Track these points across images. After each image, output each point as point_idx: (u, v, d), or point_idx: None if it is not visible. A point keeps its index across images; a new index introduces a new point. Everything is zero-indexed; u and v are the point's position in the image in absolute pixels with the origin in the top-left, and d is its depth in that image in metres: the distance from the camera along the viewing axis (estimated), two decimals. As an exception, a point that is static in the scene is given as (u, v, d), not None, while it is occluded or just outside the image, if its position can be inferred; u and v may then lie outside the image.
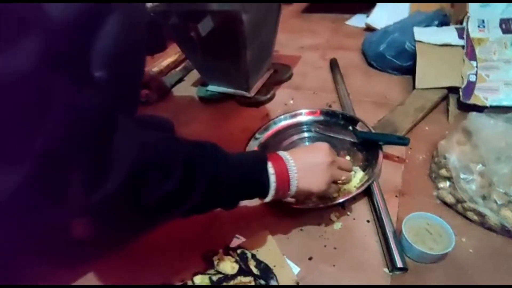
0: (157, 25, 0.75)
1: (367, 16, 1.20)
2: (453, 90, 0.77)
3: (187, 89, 0.96)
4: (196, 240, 0.53)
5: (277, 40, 0.90)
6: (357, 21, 1.26)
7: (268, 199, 0.43)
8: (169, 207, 0.35)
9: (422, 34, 0.86)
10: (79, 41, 0.34)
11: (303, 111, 0.70)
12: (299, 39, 1.18)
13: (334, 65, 0.96)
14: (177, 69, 1.03)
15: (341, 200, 0.53)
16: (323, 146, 0.46)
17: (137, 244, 0.53)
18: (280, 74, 0.95)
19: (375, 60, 0.93)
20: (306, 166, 0.43)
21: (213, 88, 0.89)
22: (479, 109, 0.70)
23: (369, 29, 1.16)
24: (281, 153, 0.44)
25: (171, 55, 1.07)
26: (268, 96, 0.85)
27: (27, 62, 0.22)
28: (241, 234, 0.53)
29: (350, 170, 0.52)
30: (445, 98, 0.78)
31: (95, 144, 0.27)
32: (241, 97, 0.86)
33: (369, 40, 0.98)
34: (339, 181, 0.49)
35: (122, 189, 0.28)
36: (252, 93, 0.85)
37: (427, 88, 0.79)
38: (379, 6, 1.19)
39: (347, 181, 0.51)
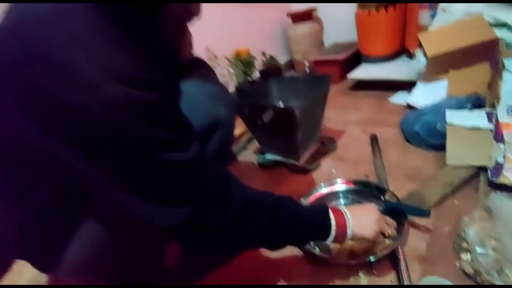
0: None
1: (409, 94, 1.36)
2: (485, 168, 0.86)
3: (249, 156, 1.22)
4: (249, 276, 0.71)
5: (325, 115, 1.11)
6: (399, 98, 1.42)
7: (329, 240, 0.57)
8: (259, 238, 0.51)
9: (453, 117, 0.99)
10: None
11: (339, 180, 0.87)
12: (344, 114, 1.38)
13: (373, 140, 1.12)
14: (243, 139, 1.31)
15: (369, 260, 0.65)
16: (372, 205, 0.62)
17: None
18: (326, 146, 1.14)
19: (411, 138, 1.07)
20: (359, 217, 0.59)
21: (269, 156, 1.12)
22: (508, 188, 0.78)
23: (410, 106, 1.31)
24: (340, 207, 0.61)
25: (238, 127, 1.37)
26: (315, 165, 1.05)
27: (195, 153, 0.43)
28: (283, 278, 0.69)
29: (394, 227, 0.65)
30: (476, 175, 0.87)
31: (222, 192, 0.46)
32: (292, 165, 1.07)
33: (406, 119, 1.14)
34: (386, 234, 0.63)
35: (234, 223, 0.46)
36: (301, 162, 1.06)
37: (457, 165, 0.89)
38: (419, 86, 1.34)
39: (393, 234, 0.64)
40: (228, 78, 1.64)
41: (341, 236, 0.57)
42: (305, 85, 1.13)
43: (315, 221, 0.56)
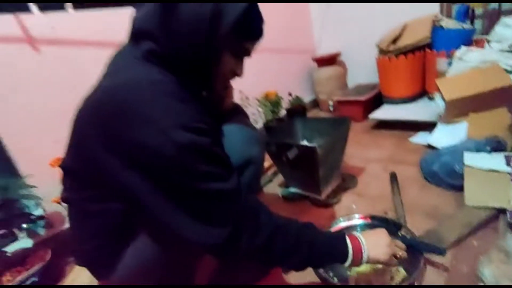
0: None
1: (429, 134, 1.42)
2: (505, 210, 0.88)
3: (274, 188, 1.32)
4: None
5: (347, 152, 1.20)
6: (420, 138, 1.47)
7: (347, 264, 0.63)
8: (284, 259, 0.58)
9: (471, 159, 1.03)
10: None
11: (357, 215, 0.93)
12: (366, 152, 1.46)
13: (393, 177, 1.18)
14: (268, 172, 1.41)
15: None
16: (383, 230, 0.69)
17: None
18: (347, 182, 1.22)
19: (430, 177, 1.12)
20: (373, 241, 0.65)
21: (293, 189, 1.21)
22: (527, 230, 0.80)
23: (430, 146, 1.36)
24: (355, 233, 0.67)
25: (265, 161, 1.48)
26: (335, 200, 1.12)
27: (234, 184, 0.54)
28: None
29: (404, 249, 0.71)
30: (496, 217, 0.89)
31: (254, 218, 0.56)
32: (314, 199, 1.14)
33: (425, 159, 1.19)
34: (397, 256, 0.68)
35: (263, 245, 0.55)
36: (323, 196, 1.13)
37: (476, 206, 0.92)
38: (439, 127, 1.40)
39: (403, 256, 0.69)
40: (258, 116, 1.80)
41: (357, 260, 0.63)
42: (327, 125, 1.24)
43: (334, 247, 0.63)
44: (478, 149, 1.09)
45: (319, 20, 2.30)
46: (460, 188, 1.01)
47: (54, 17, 1.10)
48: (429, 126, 1.47)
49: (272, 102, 1.78)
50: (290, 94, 2.04)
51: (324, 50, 2.33)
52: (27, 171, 1.05)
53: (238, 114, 0.80)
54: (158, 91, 0.49)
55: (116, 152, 0.49)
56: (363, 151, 1.47)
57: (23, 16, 1.03)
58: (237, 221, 0.53)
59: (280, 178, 1.36)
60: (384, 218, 0.91)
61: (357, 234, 0.66)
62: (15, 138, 1.03)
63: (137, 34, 0.55)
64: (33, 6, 1.08)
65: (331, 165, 1.12)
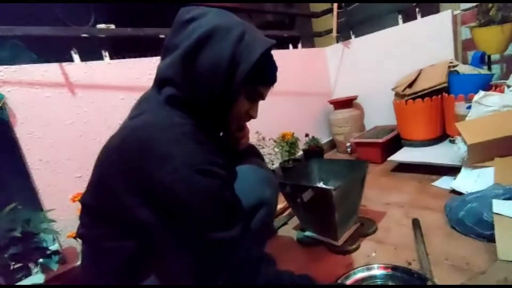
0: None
1: (454, 179, 1.35)
2: (544, 266, 0.79)
3: (289, 231, 1.27)
4: None
5: (365, 196, 1.15)
6: (444, 183, 1.40)
7: None
8: None
9: (501, 207, 0.96)
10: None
11: (376, 265, 0.87)
12: (385, 196, 1.40)
13: (416, 224, 1.11)
14: (284, 214, 1.38)
15: None
16: None
17: None
18: (366, 227, 1.16)
19: (456, 224, 1.04)
20: None
21: (309, 234, 1.17)
22: None
23: (455, 191, 1.29)
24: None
25: (281, 203, 1.45)
26: (354, 246, 1.06)
27: (238, 232, 0.53)
28: None
29: None
30: (535, 273, 0.80)
31: (251, 271, 0.53)
32: (331, 244, 1.09)
33: (450, 205, 1.12)
34: None
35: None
36: (340, 242, 1.08)
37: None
38: (464, 171, 1.34)
39: None
40: (274, 157, 1.81)
41: None
42: (343, 167, 1.23)
43: None
44: (507, 196, 1.02)
45: (334, 65, 2.40)
46: (490, 238, 0.94)
47: (91, 65, 1.23)
48: (452, 170, 1.41)
49: (289, 143, 1.80)
50: (306, 135, 2.06)
51: (341, 93, 2.39)
52: (49, 205, 1.09)
53: (252, 155, 0.81)
54: (176, 133, 0.53)
55: (135, 188, 0.52)
56: (382, 195, 1.42)
57: (66, 65, 1.17)
58: (232, 272, 0.51)
59: (296, 220, 1.32)
60: (407, 270, 0.84)
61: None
62: (42, 173, 1.10)
63: (161, 80, 0.61)
64: (75, 56, 1.23)
65: (347, 209, 1.08)
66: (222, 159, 0.57)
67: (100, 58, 1.29)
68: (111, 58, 1.31)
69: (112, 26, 1.33)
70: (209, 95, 0.58)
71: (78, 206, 1.00)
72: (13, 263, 0.96)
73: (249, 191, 0.65)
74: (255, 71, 0.58)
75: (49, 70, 1.13)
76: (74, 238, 1.08)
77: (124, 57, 1.35)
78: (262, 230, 0.71)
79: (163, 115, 0.56)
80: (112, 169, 0.55)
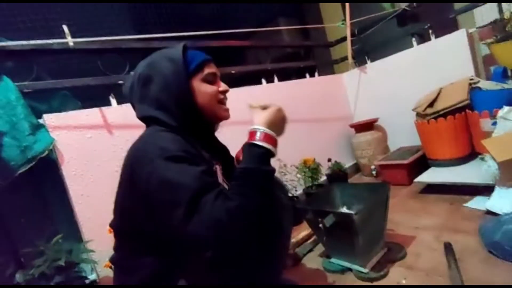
0: (297, 209, 1.17)
1: (488, 199, 1.28)
2: None
3: (314, 259, 1.26)
4: None
5: (393, 219, 1.13)
6: (477, 203, 1.33)
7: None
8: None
9: (539, 227, 0.91)
10: None
11: (407, 293, 0.84)
12: (414, 219, 1.35)
13: (448, 248, 1.06)
14: (309, 241, 1.37)
15: None
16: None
17: None
18: (394, 253, 1.12)
19: (493, 248, 0.98)
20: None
21: (335, 261, 1.15)
22: None
23: (490, 212, 1.21)
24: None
25: (305, 229, 1.45)
26: (382, 273, 1.02)
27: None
28: None
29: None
30: None
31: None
32: (358, 271, 1.06)
33: (484, 227, 1.06)
34: None
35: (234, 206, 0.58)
36: (367, 269, 1.05)
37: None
38: (498, 191, 1.27)
39: None
40: (297, 183, 1.83)
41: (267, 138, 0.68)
42: (365, 191, 1.22)
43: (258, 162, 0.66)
44: (547, 215, 0.95)
45: (353, 89, 2.44)
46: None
47: (126, 107, 1.38)
48: (485, 190, 1.34)
49: (310, 169, 1.82)
50: (329, 160, 2.07)
51: (361, 116, 2.40)
52: (88, 236, 1.19)
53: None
54: (156, 137, 0.67)
55: (135, 195, 0.64)
56: (411, 218, 1.36)
57: (105, 109, 1.32)
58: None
59: (321, 247, 1.31)
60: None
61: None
62: (83, 207, 1.21)
63: (143, 120, 0.77)
64: (113, 101, 1.39)
65: (372, 233, 1.07)
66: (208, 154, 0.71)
67: (134, 100, 1.44)
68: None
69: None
70: (175, 101, 0.71)
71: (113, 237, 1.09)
72: (57, 291, 1.04)
73: None
74: (186, 63, 0.72)
75: (91, 114, 1.28)
76: (110, 267, 1.15)
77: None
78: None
79: (149, 133, 0.71)
80: (121, 186, 0.70)
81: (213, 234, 0.55)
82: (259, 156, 0.66)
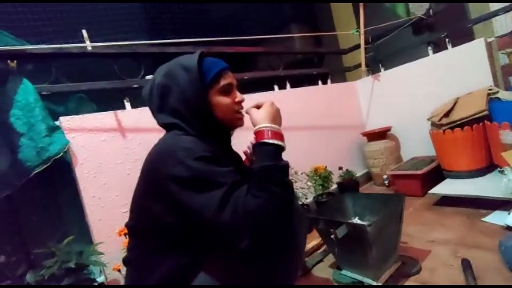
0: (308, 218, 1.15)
1: (509, 214, 1.23)
2: None
3: (324, 270, 1.23)
4: None
5: (406, 232, 1.09)
6: (496, 218, 1.28)
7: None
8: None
9: None
10: None
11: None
12: (429, 232, 1.31)
13: (466, 265, 1.01)
14: (319, 251, 1.34)
15: None
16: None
17: None
18: (408, 267, 1.08)
19: (515, 267, 0.94)
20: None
21: (346, 273, 1.12)
22: None
23: (510, 228, 1.16)
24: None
25: (315, 239, 1.42)
26: (396, 288, 0.99)
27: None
28: None
29: None
30: None
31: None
32: (370, 285, 1.03)
33: (505, 243, 1.02)
34: None
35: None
36: (380, 282, 1.01)
37: None
38: (519, 205, 1.22)
39: None
40: (307, 191, 1.80)
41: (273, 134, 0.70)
42: (379, 202, 1.19)
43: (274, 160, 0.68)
44: None
45: (365, 97, 2.42)
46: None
47: (140, 110, 1.40)
48: (504, 204, 1.29)
49: (322, 176, 1.79)
50: (340, 168, 2.04)
51: (373, 125, 2.36)
52: (99, 238, 1.19)
53: None
54: (180, 140, 0.69)
55: (156, 193, 0.66)
56: (425, 231, 1.32)
57: (119, 112, 1.34)
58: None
59: (332, 258, 1.28)
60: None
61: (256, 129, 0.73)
62: (94, 208, 1.22)
63: (163, 126, 0.78)
64: (127, 104, 1.41)
65: (385, 246, 1.03)
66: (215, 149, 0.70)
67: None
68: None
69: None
70: (193, 113, 0.73)
71: (123, 240, 1.09)
72: (66, 293, 1.05)
73: None
74: (202, 73, 0.73)
75: (106, 117, 1.30)
76: (118, 271, 1.15)
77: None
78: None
79: (171, 136, 0.73)
80: (140, 186, 0.71)
81: (249, 224, 0.58)
82: (273, 153, 0.69)
